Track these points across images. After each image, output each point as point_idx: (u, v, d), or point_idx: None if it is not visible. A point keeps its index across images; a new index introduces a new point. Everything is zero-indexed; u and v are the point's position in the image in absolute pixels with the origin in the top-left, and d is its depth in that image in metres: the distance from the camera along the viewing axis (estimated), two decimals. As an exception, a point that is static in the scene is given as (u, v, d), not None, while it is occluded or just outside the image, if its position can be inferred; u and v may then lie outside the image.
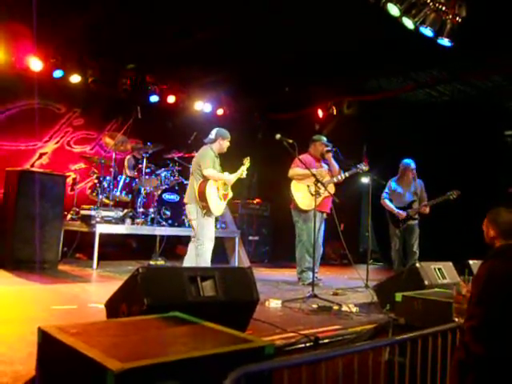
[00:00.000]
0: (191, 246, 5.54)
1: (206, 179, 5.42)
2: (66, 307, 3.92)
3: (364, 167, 6.11)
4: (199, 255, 5.40)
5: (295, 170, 6.05)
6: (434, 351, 2.49)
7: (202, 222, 5.43)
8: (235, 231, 8.06)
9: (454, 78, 7.87)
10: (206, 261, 5.43)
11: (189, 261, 5.45)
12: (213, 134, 5.62)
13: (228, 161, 5.94)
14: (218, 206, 5.53)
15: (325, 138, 6.40)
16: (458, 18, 4.97)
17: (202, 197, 5.37)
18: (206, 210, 5.39)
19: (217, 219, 7.86)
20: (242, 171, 5.73)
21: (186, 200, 5.58)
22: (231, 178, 5.63)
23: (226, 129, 5.74)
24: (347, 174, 6.17)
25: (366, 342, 3.16)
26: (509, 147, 8.49)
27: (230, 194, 5.77)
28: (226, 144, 5.65)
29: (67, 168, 8.18)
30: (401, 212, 6.70)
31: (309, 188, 5.98)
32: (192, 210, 5.45)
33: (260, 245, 9.04)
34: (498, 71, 7.39)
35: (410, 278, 4.39)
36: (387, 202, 6.81)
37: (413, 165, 6.82)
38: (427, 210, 6.68)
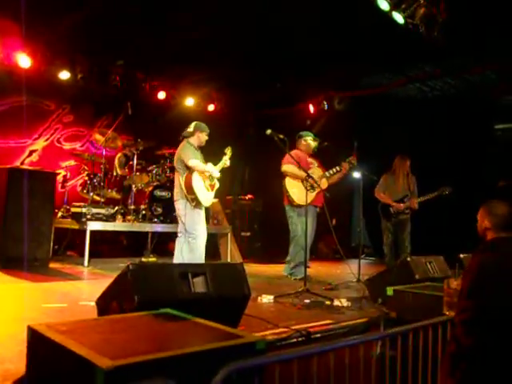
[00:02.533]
0: (178, 242, 5.50)
1: (190, 172, 5.43)
2: (57, 305, 3.90)
3: (353, 161, 6.15)
4: (192, 250, 5.37)
5: (291, 168, 5.95)
6: (424, 344, 2.50)
7: (193, 216, 5.42)
8: (227, 227, 8.06)
9: (445, 72, 7.90)
10: (200, 256, 5.41)
11: (177, 258, 5.42)
12: (191, 128, 5.62)
13: (220, 156, 5.92)
14: (207, 196, 5.55)
15: (311, 134, 6.42)
16: (446, 13, 4.99)
17: (189, 190, 5.38)
18: (196, 203, 5.40)
19: (209, 216, 7.92)
20: (225, 161, 5.77)
21: (174, 197, 5.59)
22: (215, 169, 5.66)
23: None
24: (338, 168, 6.19)
25: (357, 336, 3.17)
26: (499, 141, 8.53)
27: (217, 185, 5.80)
28: (204, 137, 5.65)
29: (57, 165, 8.13)
30: (398, 204, 6.72)
31: (303, 183, 5.98)
32: (181, 206, 5.45)
33: (252, 240, 9.03)
34: (490, 66, 7.42)
35: (401, 271, 4.41)
36: (382, 194, 6.83)
37: (408, 160, 6.85)
38: (416, 205, 6.72)
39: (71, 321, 2.22)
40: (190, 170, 5.45)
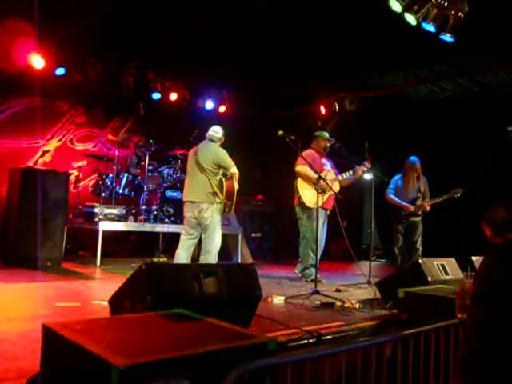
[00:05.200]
0: (203, 246, 5.50)
1: (230, 178, 5.45)
2: (70, 304, 3.94)
3: (368, 165, 6.12)
4: (210, 251, 5.39)
5: (306, 169, 5.92)
6: (436, 347, 2.49)
7: (218, 220, 5.45)
8: (238, 228, 8.07)
9: (457, 73, 7.85)
10: (214, 257, 5.45)
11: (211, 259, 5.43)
12: (219, 133, 5.60)
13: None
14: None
15: (327, 134, 6.40)
16: (460, 14, 4.95)
17: (230, 196, 5.40)
18: (228, 209, 5.43)
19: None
20: None
21: (197, 199, 5.41)
22: None
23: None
24: (351, 172, 6.17)
25: (368, 337, 3.16)
26: (511, 143, 8.46)
27: None
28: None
29: (70, 166, 8.20)
30: (408, 205, 6.69)
31: (315, 186, 5.98)
32: (207, 208, 5.37)
33: (263, 242, 9.04)
34: (502, 67, 7.36)
35: (413, 274, 4.38)
36: (392, 196, 6.79)
37: (418, 162, 6.81)
38: (428, 207, 6.68)
39: (85, 320, 2.24)
40: (227, 175, 5.47)
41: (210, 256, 5.38)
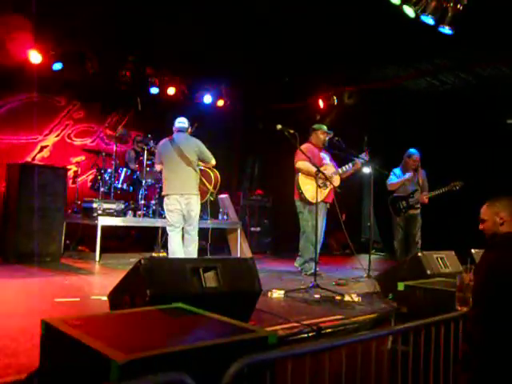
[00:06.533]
0: (193, 238, 5.56)
1: (213, 168, 5.58)
2: (69, 299, 3.93)
3: (366, 157, 6.10)
4: (195, 240, 5.53)
5: (306, 164, 5.87)
6: (436, 340, 2.49)
7: (199, 211, 5.56)
8: (237, 222, 8.06)
9: (456, 66, 7.83)
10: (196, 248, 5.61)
11: (194, 253, 5.49)
12: (186, 123, 5.70)
13: (228, 151, 5.95)
14: None
15: (325, 127, 6.37)
16: (459, 6, 4.92)
17: (216, 185, 5.59)
18: (213, 198, 5.57)
19: (218, 211, 7.98)
20: None
21: (188, 191, 5.42)
22: None
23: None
24: (351, 165, 6.15)
25: (368, 331, 3.17)
26: (511, 136, 8.45)
27: None
28: None
29: (68, 161, 8.17)
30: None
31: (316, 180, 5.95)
32: (195, 200, 5.46)
33: (262, 236, 9.04)
34: (502, 60, 7.34)
35: (413, 267, 4.39)
36: (392, 181, 6.78)
37: (417, 154, 6.80)
38: (427, 200, 6.68)
39: (85, 315, 2.24)
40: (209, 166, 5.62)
41: (196, 245, 5.53)
